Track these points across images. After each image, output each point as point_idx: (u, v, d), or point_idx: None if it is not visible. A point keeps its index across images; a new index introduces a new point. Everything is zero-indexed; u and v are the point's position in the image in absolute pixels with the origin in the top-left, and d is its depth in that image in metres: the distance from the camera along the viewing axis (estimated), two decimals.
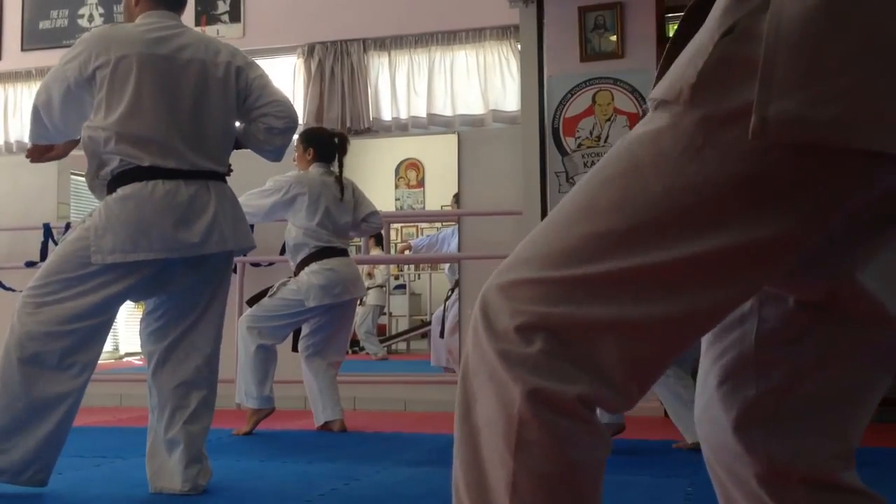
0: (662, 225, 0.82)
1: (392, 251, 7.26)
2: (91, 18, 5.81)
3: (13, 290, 3.72)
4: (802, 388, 0.96)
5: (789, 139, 0.79)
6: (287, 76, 5.37)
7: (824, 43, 0.79)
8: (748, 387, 0.97)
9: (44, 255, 4.61)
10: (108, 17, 5.77)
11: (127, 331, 7.86)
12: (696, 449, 3.55)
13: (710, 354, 1.01)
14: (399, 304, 7.98)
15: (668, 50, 0.94)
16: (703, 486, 2.70)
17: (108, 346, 5.83)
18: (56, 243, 4.85)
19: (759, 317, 0.97)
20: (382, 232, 5.74)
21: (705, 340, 1.03)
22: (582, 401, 0.82)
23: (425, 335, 6.30)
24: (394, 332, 7.91)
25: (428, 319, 6.41)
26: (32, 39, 5.93)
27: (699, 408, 1.04)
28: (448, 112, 5.19)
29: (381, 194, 6.48)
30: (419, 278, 6.58)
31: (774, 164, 0.80)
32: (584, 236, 0.84)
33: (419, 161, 7.91)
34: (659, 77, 0.92)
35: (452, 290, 5.45)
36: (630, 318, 0.82)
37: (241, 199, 2.85)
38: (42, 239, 5.04)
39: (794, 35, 0.79)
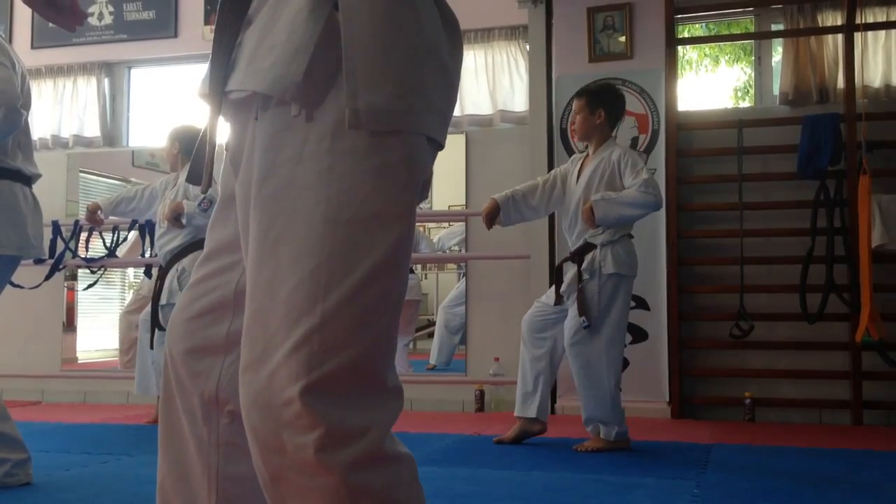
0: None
1: None
2: (101, 17, 5.82)
3: (22, 287, 3.73)
4: None
5: (380, 128, 0.92)
6: None
7: (391, 44, 0.94)
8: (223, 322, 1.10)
9: (52, 252, 4.62)
10: (118, 15, 5.78)
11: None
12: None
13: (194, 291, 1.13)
14: None
15: (218, 26, 1.02)
16: (710, 487, 2.70)
17: (114, 344, 5.84)
18: (65, 241, 4.86)
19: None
20: None
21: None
22: None
23: (431, 335, 6.30)
24: None
25: (434, 319, 6.40)
26: (42, 37, 5.95)
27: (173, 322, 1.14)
28: (456, 112, 5.15)
29: None
30: (426, 278, 6.56)
31: (389, 150, 0.93)
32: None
33: None
34: (219, 65, 1.00)
35: None
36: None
37: None
38: (51, 236, 5.05)
39: (365, 37, 0.93)
